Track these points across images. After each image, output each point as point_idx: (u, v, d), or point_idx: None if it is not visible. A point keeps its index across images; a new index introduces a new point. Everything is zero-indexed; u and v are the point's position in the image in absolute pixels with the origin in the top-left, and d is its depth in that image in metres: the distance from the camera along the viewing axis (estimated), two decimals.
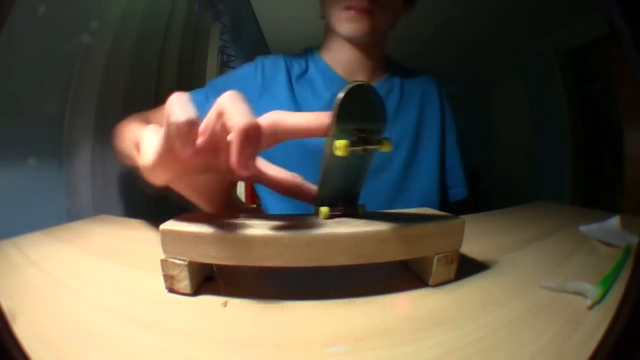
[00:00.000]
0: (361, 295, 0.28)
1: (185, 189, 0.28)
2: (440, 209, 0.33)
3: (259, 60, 0.62)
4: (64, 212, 0.66)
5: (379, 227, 0.27)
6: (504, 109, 2.89)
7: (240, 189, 1.33)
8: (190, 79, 1.14)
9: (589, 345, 0.19)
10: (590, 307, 0.25)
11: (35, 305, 0.26)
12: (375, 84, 0.59)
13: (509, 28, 1.94)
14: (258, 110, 0.23)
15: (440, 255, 0.29)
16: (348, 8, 0.51)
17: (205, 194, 0.30)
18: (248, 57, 1.66)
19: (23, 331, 0.19)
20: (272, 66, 0.60)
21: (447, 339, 0.22)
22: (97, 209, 0.68)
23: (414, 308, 0.26)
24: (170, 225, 0.27)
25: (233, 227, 0.26)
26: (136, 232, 0.47)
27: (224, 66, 1.45)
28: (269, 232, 0.26)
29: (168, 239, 0.27)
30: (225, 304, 0.26)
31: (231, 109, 0.22)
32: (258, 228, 0.26)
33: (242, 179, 0.31)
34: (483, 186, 2.48)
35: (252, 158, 0.23)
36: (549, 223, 0.50)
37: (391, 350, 0.21)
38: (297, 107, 0.58)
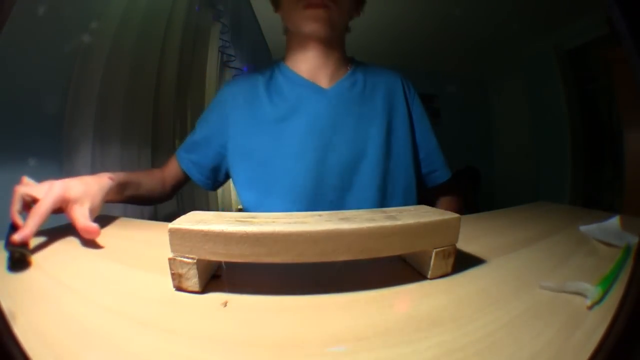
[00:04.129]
0: (362, 289, 0.28)
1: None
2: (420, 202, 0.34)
3: (226, 86, 0.69)
4: None
5: (382, 223, 0.28)
6: (504, 109, 2.89)
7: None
8: (190, 79, 1.14)
9: (588, 346, 0.19)
10: (590, 307, 0.25)
11: (35, 305, 0.26)
12: (339, 80, 0.64)
13: (509, 28, 1.94)
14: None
15: (438, 249, 0.30)
16: (307, 6, 0.57)
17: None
18: (248, 57, 1.66)
19: (23, 331, 0.19)
20: (246, 83, 0.66)
21: (446, 340, 0.22)
22: None
23: (413, 308, 0.26)
24: (179, 224, 0.27)
25: (242, 225, 0.27)
26: (136, 232, 0.47)
27: (224, 66, 1.45)
28: (278, 229, 0.26)
29: (176, 237, 0.27)
30: (225, 304, 0.26)
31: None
32: (267, 225, 0.27)
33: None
34: (483, 186, 2.48)
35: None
36: (549, 223, 0.50)
37: (391, 350, 0.21)
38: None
